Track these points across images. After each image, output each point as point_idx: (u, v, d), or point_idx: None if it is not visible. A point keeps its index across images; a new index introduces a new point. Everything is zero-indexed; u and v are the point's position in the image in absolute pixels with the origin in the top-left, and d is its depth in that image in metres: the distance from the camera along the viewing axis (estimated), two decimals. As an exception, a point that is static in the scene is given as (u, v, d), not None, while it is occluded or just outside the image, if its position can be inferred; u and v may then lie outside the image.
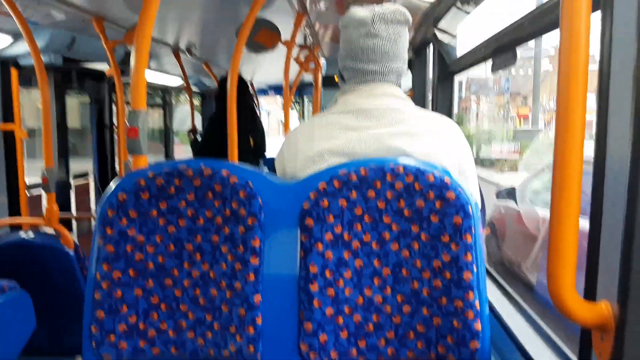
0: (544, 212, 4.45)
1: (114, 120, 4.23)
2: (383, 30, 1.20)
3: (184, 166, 1.18)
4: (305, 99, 8.52)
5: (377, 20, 1.19)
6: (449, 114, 2.41)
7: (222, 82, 3.43)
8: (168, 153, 5.89)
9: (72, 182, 3.86)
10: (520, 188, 5.33)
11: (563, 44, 0.66)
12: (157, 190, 1.17)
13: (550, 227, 0.68)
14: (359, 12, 1.22)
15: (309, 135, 1.22)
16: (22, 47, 2.74)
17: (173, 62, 3.95)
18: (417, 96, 3.12)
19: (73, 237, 2.24)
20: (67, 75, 3.73)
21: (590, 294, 0.75)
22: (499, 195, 5.59)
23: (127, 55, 3.46)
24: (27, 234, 2.24)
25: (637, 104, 0.64)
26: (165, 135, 5.87)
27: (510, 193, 5.30)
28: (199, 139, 4.24)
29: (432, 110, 2.53)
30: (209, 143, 3.61)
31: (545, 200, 4.59)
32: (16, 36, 2.69)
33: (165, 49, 3.69)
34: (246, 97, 3.52)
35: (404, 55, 1.25)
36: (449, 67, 2.35)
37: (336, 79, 1.50)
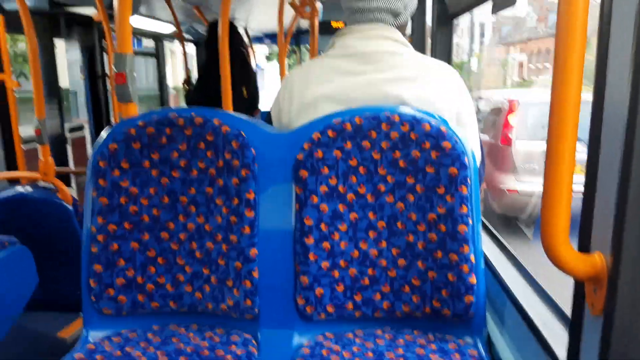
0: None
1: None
2: None
3: (175, 114, 1.15)
4: (303, 48, 8.27)
5: None
6: (447, 60, 2.34)
7: (211, 27, 3.27)
8: (163, 104, 5.80)
9: (68, 135, 3.80)
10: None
11: None
12: (148, 139, 1.15)
13: (545, 177, 0.67)
14: None
15: (305, 79, 1.18)
16: None
17: (164, 7, 3.81)
18: (416, 42, 3.02)
19: (72, 192, 2.21)
20: (55, 20, 3.58)
21: (584, 245, 0.75)
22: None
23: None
24: (24, 189, 2.22)
25: (637, 46, 0.61)
26: (160, 85, 5.74)
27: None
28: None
29: (431, 57, 2.46)
30: (201, 94, 3.48)
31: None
32: None
33: None
34: (235, 44, 3.33)
35: None
36: (448, 10, 2.26)
37: (333, 25, 1.44)
